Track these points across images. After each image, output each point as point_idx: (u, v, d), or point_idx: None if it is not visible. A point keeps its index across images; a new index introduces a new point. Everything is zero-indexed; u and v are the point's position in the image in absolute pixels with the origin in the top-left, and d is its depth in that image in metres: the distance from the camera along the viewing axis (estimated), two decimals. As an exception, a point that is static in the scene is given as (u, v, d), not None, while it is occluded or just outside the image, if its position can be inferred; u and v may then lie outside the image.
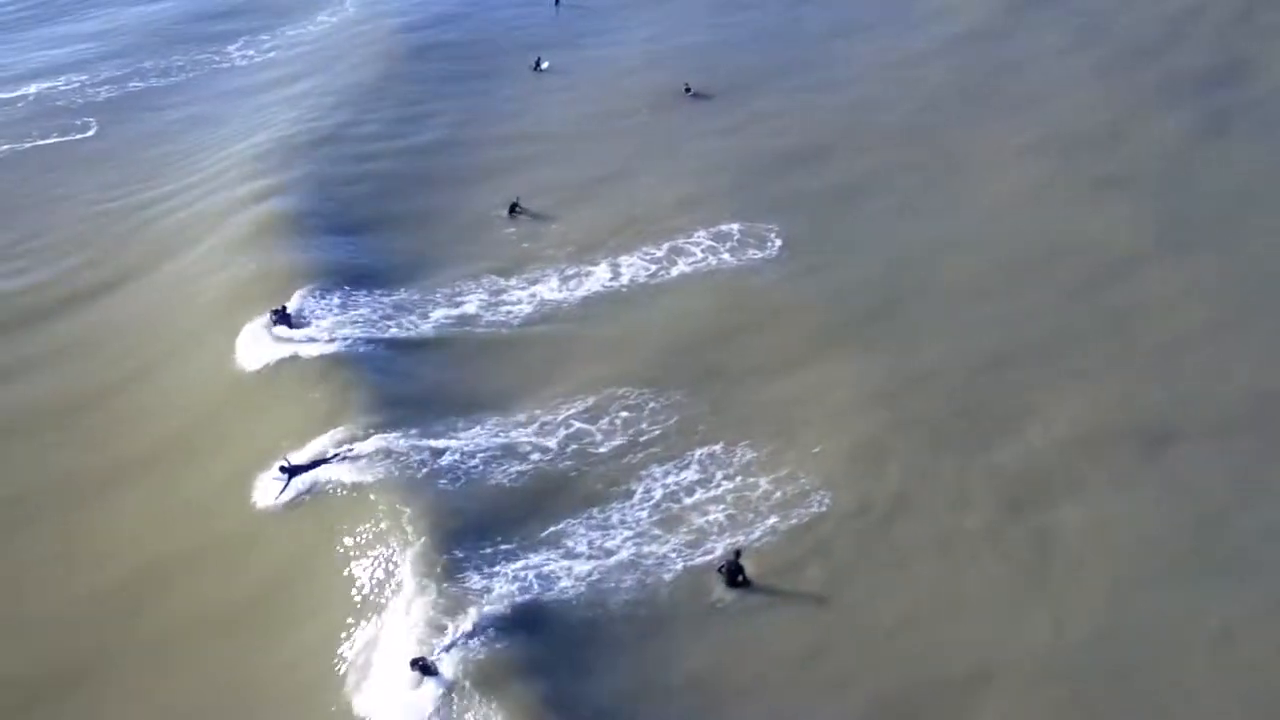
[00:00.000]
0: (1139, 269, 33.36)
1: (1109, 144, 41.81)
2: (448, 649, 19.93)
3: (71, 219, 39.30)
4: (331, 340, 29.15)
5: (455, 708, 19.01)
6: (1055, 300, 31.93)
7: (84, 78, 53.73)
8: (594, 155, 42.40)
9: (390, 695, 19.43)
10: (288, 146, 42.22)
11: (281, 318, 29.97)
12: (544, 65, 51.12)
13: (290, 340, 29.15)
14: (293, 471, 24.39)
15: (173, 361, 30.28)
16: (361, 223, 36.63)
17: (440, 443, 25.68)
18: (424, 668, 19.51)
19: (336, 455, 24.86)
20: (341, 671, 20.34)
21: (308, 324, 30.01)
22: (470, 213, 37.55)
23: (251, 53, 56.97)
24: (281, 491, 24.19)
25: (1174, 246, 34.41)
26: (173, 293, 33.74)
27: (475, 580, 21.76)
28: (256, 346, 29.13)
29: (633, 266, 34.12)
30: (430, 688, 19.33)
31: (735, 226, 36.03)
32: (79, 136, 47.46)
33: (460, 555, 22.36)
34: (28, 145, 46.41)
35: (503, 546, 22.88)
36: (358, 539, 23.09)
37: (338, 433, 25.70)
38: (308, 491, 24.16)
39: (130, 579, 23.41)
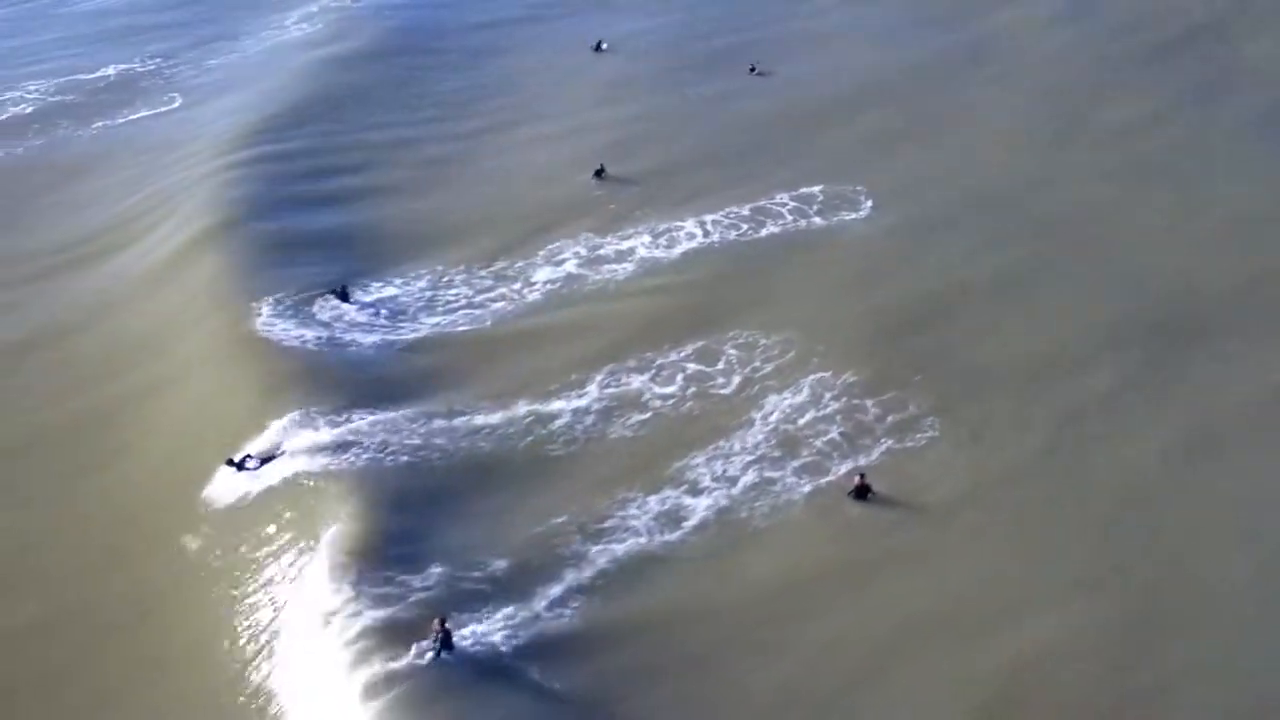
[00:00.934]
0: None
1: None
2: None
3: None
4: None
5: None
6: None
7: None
8: (665, 112, 44.45)
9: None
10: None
11: (341, 295, 31.38)
12: (604, 46, 52.86)
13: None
14: None
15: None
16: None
17: (555, 405, 27.18)
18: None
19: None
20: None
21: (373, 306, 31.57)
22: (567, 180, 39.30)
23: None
24: None
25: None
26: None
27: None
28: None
29: (719, 225, 35.68)
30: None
31: (817, 189, 37.88)
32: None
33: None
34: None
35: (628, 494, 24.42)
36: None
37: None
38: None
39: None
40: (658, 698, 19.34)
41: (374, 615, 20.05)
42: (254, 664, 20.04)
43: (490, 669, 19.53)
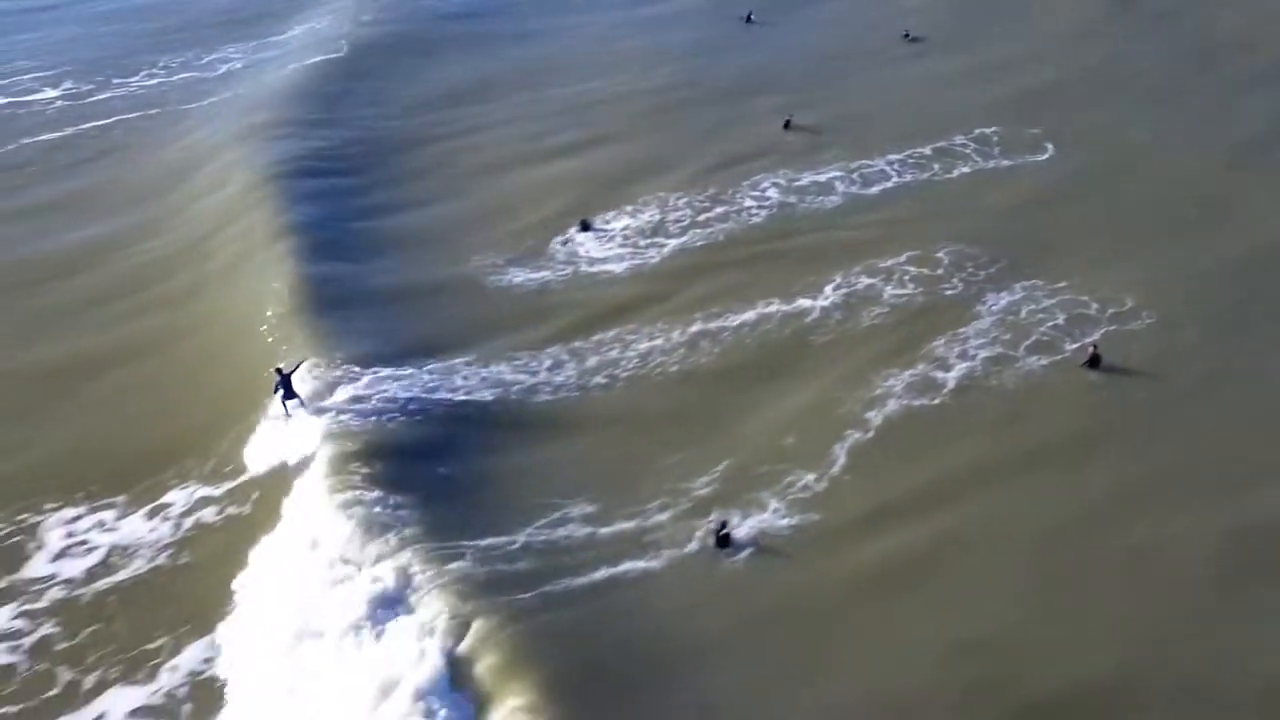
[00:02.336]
0: None
1: None
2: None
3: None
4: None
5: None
6: None
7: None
8: (831, 74, 48.13)
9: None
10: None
11: (583, 227, 35.37)
12: (753, 18, 56.53)
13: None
14: None
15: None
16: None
17: (801, 303, 30.80)
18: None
19: None
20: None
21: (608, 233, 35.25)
22: (756, 129, 42.88)
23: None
24: None
25: None
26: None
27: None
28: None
29: (907, 165, 39.09)
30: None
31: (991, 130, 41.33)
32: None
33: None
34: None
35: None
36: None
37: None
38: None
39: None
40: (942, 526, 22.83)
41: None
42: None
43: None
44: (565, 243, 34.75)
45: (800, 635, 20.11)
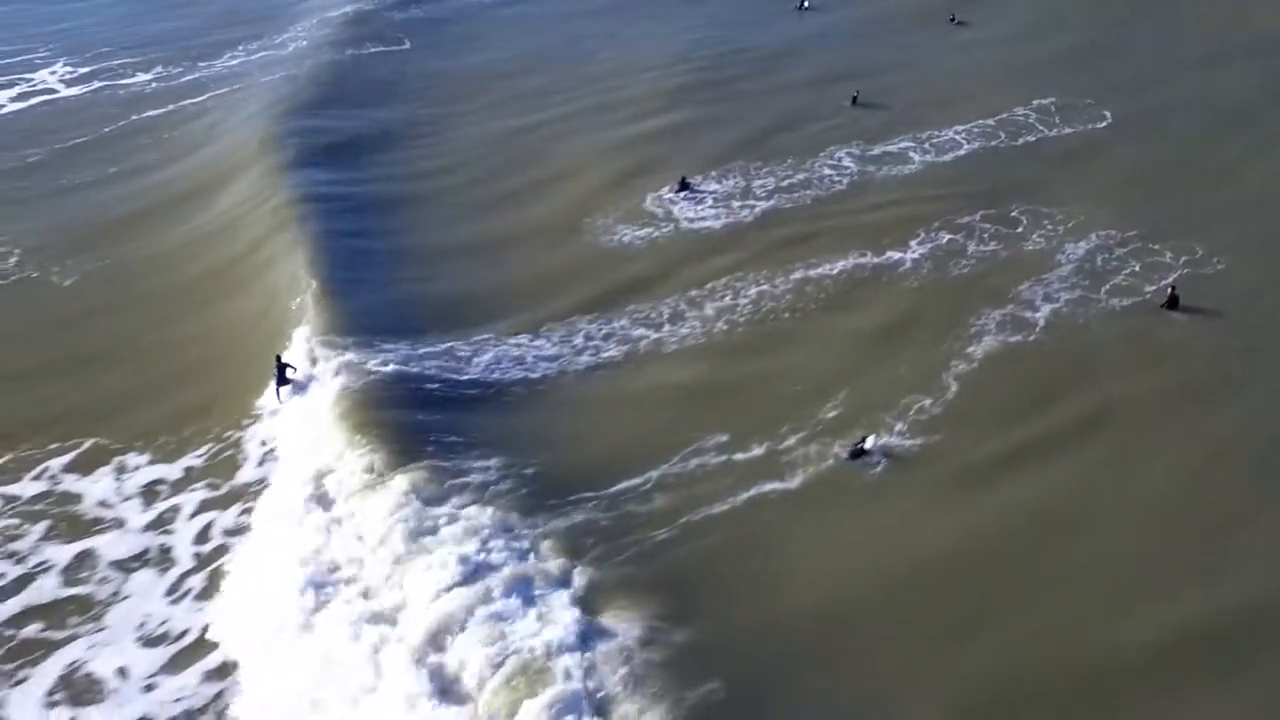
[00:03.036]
0: None
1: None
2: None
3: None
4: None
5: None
6: None
7: None
8: (885, 55, 50.16)
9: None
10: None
11: (682, 186, 37.44)
12: (806, 5, 58.56)
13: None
14: None
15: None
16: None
17: (890, 255, 32.93)
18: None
19: None
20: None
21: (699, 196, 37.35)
22: (823, 105, 45.00)
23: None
24: None
25: None
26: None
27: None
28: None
29: (974, 135, 41.19)
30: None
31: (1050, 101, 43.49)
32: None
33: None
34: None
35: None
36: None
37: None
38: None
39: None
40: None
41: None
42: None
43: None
44: (661, 203, 36.85)
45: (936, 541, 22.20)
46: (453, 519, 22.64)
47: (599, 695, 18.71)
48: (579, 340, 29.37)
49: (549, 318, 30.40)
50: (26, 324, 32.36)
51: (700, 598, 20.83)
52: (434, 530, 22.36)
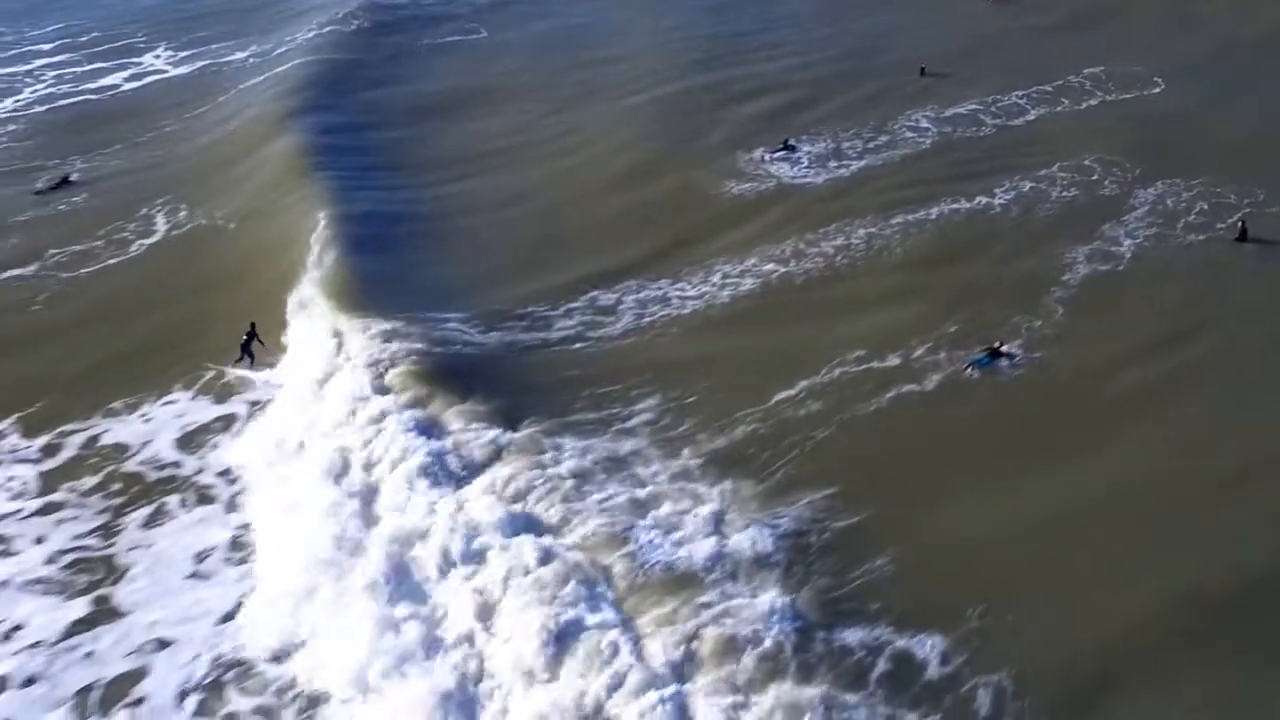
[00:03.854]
0: None
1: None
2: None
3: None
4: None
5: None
6: None
7: None
8: (934, 36, 53.32)
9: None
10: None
11: (787, 148, 40.55)
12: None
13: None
14: None
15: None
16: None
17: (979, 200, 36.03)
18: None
19: None
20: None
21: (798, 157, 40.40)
22: (889, 75, 48.20)
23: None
24: None
25: None
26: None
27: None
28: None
29: (1036, 99, 44.30)
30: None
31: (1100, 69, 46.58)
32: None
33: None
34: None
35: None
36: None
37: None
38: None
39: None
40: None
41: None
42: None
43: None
44: (763, 164, 39.94)
45: (1065, 442, 24.65)
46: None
47: (782, 573, 21.53)
48: (716, 279, 32.48)
49: (685, 263, 33.43)
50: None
51: (855, 485, 23.51)
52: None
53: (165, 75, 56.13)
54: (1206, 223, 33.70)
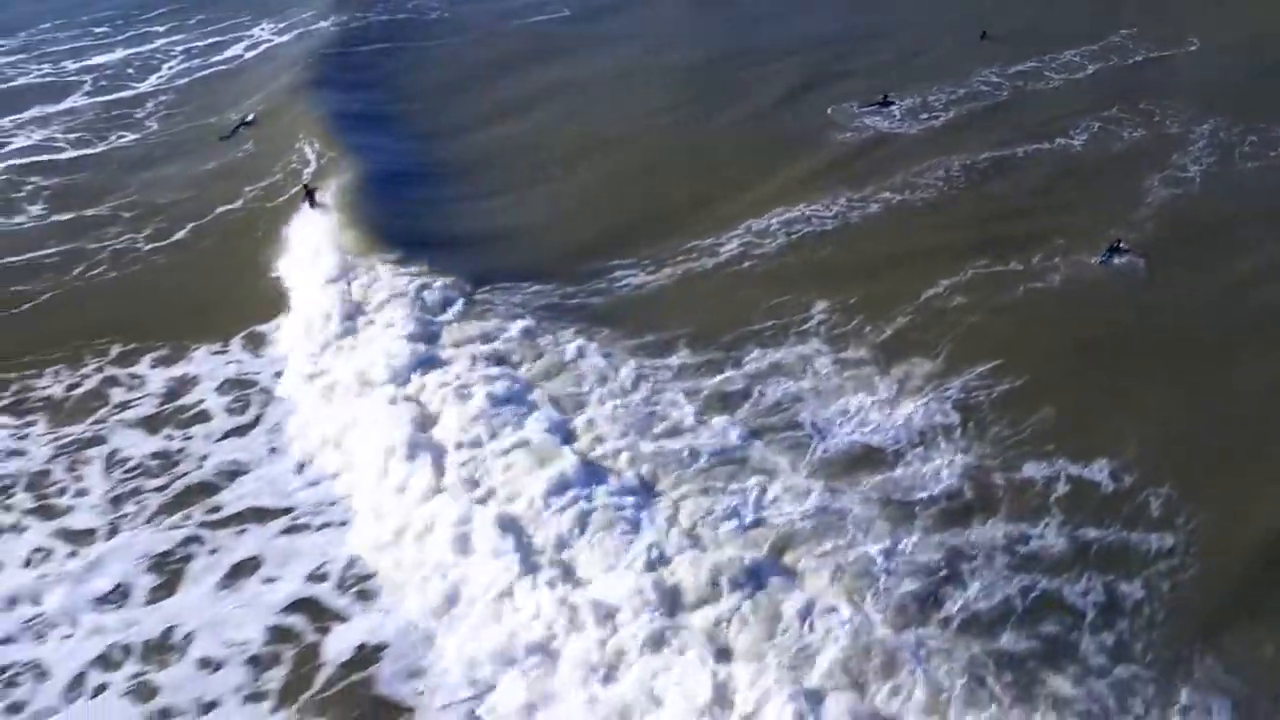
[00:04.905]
0: None
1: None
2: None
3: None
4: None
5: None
6: None
7: None
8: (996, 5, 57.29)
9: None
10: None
11: (884, 103, 44.47)
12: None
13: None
14: None
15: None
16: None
17: (1059, 142, 40.11)
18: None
19: None
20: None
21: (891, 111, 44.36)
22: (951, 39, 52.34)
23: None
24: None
25: None
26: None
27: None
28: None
29: (1088, 57, 48.57)
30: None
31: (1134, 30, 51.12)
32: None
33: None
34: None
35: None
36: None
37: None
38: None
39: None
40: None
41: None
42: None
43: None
44: (856, 115, 43.87)
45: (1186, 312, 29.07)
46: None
47: (959, 431, 25.55)
48: (841, 204, 36.48)
49: (813, 193, 37.36)
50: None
51: (1010, 358, 27.33)
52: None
53: (274, 43, 59.07)
54: (1260, 152, 38.05)
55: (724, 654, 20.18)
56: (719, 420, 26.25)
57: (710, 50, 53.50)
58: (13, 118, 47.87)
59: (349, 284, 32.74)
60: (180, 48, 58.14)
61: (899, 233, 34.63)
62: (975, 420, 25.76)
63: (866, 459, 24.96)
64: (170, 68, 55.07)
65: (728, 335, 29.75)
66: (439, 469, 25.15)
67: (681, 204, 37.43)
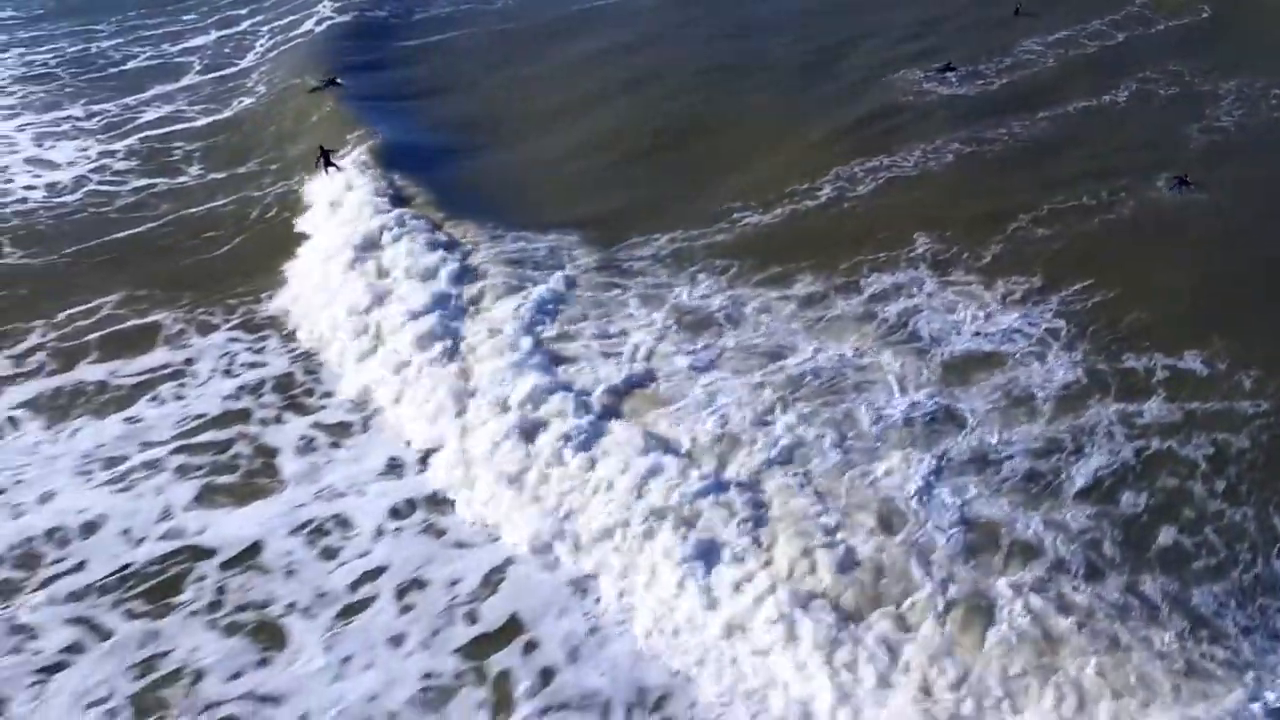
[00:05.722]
0: None
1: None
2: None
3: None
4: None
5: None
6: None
7: None
8: None
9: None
10: None
11: (946, 68, 48.03)
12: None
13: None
14: None
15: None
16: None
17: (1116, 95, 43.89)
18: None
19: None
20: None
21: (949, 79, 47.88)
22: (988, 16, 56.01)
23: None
24: None
25: None
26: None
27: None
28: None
29: (1114, 27, 52.33)
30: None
31: None
32: None
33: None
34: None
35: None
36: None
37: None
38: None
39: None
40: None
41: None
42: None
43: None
44: (920, 82, 47.24)
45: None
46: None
47: (1063, 334, 29.47)
48: (917, 154, 40.14)
49: (893, 145, 40.92)
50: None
51: (1102, 274, 31.14)
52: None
53: (336, 20, 61.35)
54: (1282, 96, 42.42)
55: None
56: (842, 338, 29.81)
57: (770, 38, 56.79)
58: (135, 97, 50.53)
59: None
60: (265, 28, 60.88)
61: (975, 177, 38.43)
62: (1075, 325, 29.45)
63: (984, 362, 28.51)
64: (261, 44, 57.95)
65: (844, 264, 33.33)
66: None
67: (776, 157, 40.96)
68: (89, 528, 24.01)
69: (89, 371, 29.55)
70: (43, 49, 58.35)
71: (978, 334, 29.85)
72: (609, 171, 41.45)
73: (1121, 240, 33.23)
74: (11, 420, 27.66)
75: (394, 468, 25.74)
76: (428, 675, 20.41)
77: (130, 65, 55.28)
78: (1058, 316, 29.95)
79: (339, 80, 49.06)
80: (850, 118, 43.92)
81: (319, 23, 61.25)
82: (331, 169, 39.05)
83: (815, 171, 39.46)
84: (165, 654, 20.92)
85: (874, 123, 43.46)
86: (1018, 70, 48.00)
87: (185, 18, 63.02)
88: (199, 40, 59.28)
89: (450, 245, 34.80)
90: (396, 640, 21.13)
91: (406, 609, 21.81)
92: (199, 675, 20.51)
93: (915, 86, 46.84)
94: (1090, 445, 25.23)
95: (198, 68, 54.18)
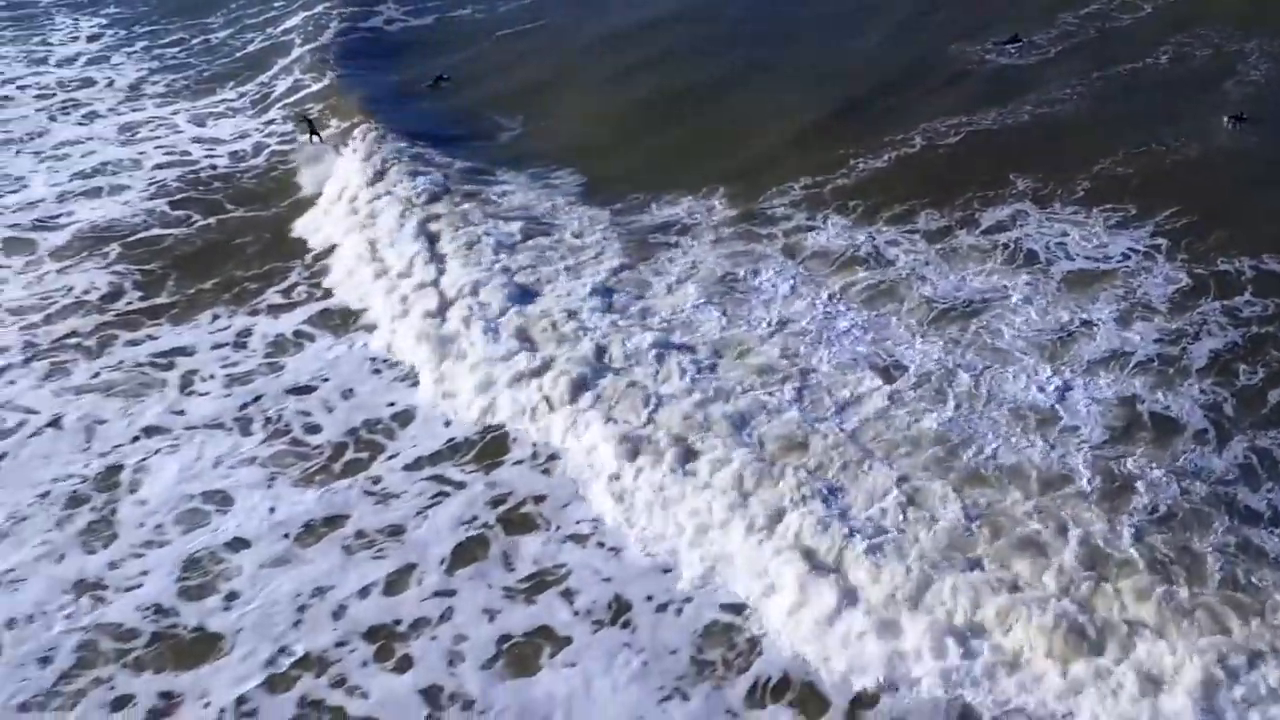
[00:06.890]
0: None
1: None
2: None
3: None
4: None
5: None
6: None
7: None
8: None
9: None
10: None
11: (1012, 40, 52.28)
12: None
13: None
14: None
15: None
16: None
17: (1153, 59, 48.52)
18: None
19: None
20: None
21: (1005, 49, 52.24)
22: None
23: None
24: None
25: None
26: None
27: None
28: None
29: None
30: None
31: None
32: None
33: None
34: None
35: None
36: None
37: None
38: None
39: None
40: None
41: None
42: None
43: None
44: (985, 51, 51.30)
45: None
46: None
47: (1162, 249, 34.20)
48: (992, 113, 44.39)
49: (968, 102, 45.40)
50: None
51: (1183, 203, 35.81)
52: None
53: (403, 24, 63.56)
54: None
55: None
56: (965, 263, 34.45)
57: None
58: (267, 74, 54.09)
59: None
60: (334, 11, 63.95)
61: (1051, 129, 43.05)
62: (1171, 241, 34.37)
63: (1100, 276, 33.31)
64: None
65: (959, 199, 37.77)
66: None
67: (864, 114, 45.38)
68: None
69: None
70: (163, 41, 61.50)
71: (1088, 256, 34.47)
72: (725, 129, 45.70)
73: (1197, 173, 38.08)
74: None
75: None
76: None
77: (251, 49, 58.77)
78: (1155, 235, 34.80)
79: (447, 77, 51.38)
80: (921, 81, 48.50)
81: (388, 22, 63.85)
82: (315, 138, 42.23)
83: (903, 125, 43.80)
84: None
85: (954, 86, 47.88)
86: (1064, 41, 51.84)
87: (276, 4, 66.04)
88: (293, 20, 62.51)
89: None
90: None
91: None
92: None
93: (975, 57, 51.21)
94: (1206, 333, 30.04)
95: (298, 43, 58.17)
